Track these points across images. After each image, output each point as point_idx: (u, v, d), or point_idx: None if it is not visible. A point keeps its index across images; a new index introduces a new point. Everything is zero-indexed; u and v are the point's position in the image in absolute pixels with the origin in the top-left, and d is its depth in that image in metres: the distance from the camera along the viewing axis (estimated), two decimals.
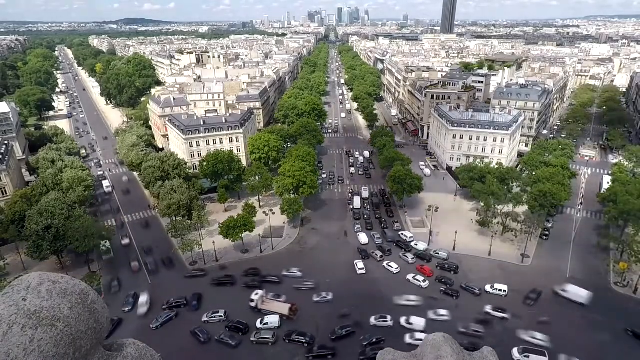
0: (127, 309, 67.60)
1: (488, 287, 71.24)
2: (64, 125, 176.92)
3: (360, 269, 77.64)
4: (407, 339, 59.18)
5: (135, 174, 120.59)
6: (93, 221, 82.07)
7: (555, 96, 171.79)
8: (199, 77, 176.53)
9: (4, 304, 4.38)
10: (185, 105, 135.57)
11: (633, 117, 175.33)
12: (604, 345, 58.77)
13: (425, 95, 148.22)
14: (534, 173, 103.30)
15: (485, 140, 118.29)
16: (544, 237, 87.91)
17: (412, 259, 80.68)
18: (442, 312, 65.28)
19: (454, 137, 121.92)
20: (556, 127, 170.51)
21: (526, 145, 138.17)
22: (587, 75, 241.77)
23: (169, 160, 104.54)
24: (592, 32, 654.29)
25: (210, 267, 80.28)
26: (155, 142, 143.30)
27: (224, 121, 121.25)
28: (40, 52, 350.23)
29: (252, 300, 67.30)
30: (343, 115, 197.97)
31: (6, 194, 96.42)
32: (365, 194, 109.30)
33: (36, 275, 4.82)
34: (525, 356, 56.12)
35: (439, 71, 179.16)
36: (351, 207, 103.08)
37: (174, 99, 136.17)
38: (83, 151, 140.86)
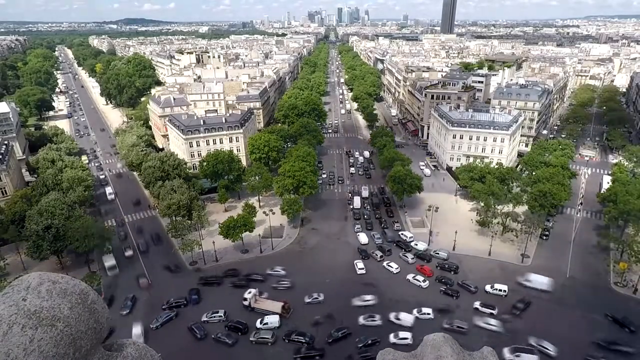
0: (125, 312, 66.79)
1: (488, 287, 71.21)
2: (64, 125, 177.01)
3: (360, 268, 77.70)
4: (392, 338, 59.39)
5: (136, 173, 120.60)
6: (93, 221, 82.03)
7: (555, 96, 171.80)
8: (199, 77, 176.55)
9: (4, 304, 4.38)
10: (185, 105, 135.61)
11: (633, 117, 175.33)
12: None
13: (425, 95, 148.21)
14: (534, 173, 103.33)
15: (485, 140, 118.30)
16: (544, 237, 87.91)
17: (412, 259, 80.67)
18: (426, 310, 65.73)
19: (454, 137, 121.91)
20: (556, 127, 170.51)
21: (526, 145, 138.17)
22: (587, 75, 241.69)
23: (169, 160, 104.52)
24: (592, 32, 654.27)
25: (210, 266, 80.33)
26: (155, 142, 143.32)
27: (224, 121, 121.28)
28: (40, 52, 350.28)
29: (245, 299, 67.54)
30: (343, 112, 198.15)
31: (6, 194, 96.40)
32: (365, 193, 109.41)
33: (36, 275, 4.82)
34: (516, 355, 56.19)
35: (439, 71, 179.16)
36: (351, 207, 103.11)
37: (174, 99, 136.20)
38: (84, 157, 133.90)
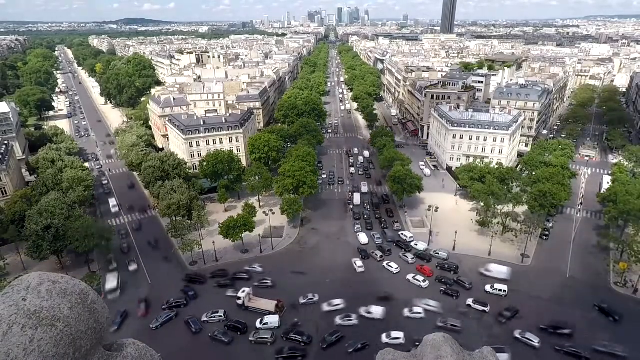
0: (113, 328, 63.50)
1: (488, 287, 71.27)
2: (64, 125, 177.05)
3: (359, 267, 77.99)
4: (384, 338, 59.54)
5: (136, 173, 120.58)
6: (93, 221, 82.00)
7: (555, 96, 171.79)
8: (199, 77, 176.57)
9: (4, 304, 4.38)
10: (185, 105, 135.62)
11: (633, 117, 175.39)
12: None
13: (425, 95, 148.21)
14: (534, 173, 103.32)
15: (485, 140, 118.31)
16: (544, 237, 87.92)
17: (412, 259, 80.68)
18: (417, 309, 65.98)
19: (454, 137, 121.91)
20: (556, 127, 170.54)
21: (526, 145, 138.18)
22: (587, 75, 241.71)
23: (169, 160, 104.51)
24: (592, 32, 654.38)
25: (210, 266, 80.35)
26: (155, 142, 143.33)
27: (224, 121, 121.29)
28: (40, 52, 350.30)
29: (239, 298, 67.70)
30: (342, 109, 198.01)
31: (6, 194, 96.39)
32: (365, 189, 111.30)
33: (36, 275, 4.82)
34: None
35: (439, 71, 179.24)
36: (351, 206, 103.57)
37: (174, 99, 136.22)
38: (87, 165, 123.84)
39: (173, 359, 55.76)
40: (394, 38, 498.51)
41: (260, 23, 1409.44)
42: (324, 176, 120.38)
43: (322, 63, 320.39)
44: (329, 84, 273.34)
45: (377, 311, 65.23)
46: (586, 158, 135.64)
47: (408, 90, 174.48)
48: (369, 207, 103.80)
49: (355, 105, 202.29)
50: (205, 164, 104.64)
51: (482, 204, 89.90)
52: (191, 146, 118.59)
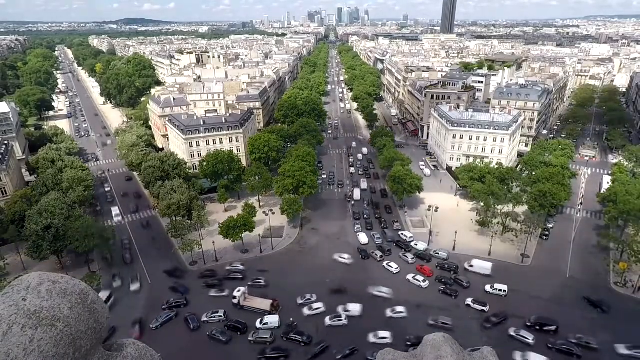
0: None
1: (488, 287, 71.29)
2: (64, 125, 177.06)
3: (343, 259, 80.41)
4: (371, 338, 59.83)
5: (135, 173, 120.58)
6: (93, 221, 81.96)
7: (555, 96, 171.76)
8: (199, 77, 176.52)
9: (4, 304, 4.37)
10: (185, 105, 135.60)
11: (633, 117, 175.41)
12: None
13: (425, 95, 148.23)
14: (534, 173, 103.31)
15: (485, 140, 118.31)
16: (544, 237, 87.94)
17: (412, 259, 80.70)
18: (400, 309, 66.26)
19: (454, 137, 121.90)
20: (556, 127, 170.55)
21: (526, 145, 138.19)
22: (587, 75, 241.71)
23: (169, 160, 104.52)
24: (592, 32, 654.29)
25: (210, 266, 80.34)
26: (155, 142, 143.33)
27: (223, 121, 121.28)
28: (40, 52, 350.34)
29: (235, 298, 67.80)
30: (342, 109, 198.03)
31: (6, 194, 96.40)
32: (364, 185, 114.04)
33: (36, 275, 4.82)
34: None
35: (439, 71, 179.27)
36: (352, 202, 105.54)
37: (174, 99, 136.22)
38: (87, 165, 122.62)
39: (173, 359, 55.78)
40: (394, 38, 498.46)
41: (260, 23, 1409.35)
42: (324, 176, 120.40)
43: (322, 63, 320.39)
44: (329, 84, 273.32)
45: (354, 308, 65.62)
46: (586, 158, 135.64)
47: (408, 90, 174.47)
48: (368, 206, 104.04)
49: (355, 105, 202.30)
50: (205, 164, 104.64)
51: (482, 204, 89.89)
52: (191, 146, 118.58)
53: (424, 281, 73.28)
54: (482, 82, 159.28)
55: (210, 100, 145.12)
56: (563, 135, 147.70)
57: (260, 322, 63.22)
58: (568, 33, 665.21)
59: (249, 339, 60.78)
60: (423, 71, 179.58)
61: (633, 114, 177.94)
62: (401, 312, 65.43)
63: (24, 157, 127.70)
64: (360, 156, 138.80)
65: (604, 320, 64.22)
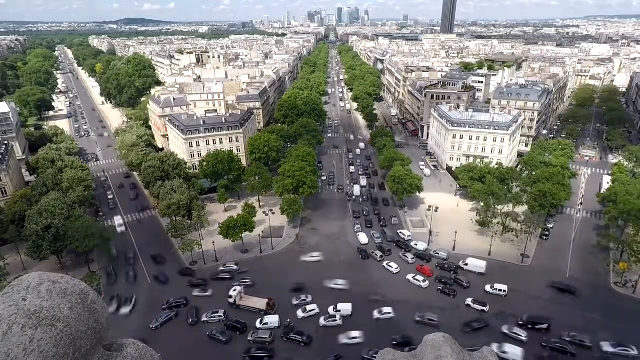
0: None
1: (488, 287, 71.29)
2: (64, 125, 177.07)
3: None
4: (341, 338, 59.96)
5: (135, 174, 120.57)
6: (93, 221, 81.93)
7: (555, 96, 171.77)
8: (199, 77, 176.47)
9: (4, 304, 4.37)
10: (185, 105, 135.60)
11: (633, 117, 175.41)
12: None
13: (425, 95, 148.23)
14: (534, 173, 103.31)
15: (485, 140, 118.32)
16: (544, 237, 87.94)
17: (412, 259, 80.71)
18: (387, 309, 66.05)
19: (454, 137, 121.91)
20: (556, 127, 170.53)
21: (526, 145, 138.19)
22: (587, 75, 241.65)
23: (169, 160, 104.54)
24: (592, 32, 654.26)
25: (210, 266, 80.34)
26: (155, 142, 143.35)
27: (223, 121, 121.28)
28: (40, 52, 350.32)
29: (231, 297, 67.83)
30: (342, 109, 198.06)
31: (6, 194, 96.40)
32: (364, 182, 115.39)
33: (36, 275, 4.82)
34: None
35: (439, 71, 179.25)
36: (352, 198, 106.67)
37: (174, 99, 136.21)
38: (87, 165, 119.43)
39: (173, 359, 55.80)
40: (393, 38, 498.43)
41: (260, 23, 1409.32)
42: (324, 177, 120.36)
43: (322, 63, 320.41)
44: (329, 84, 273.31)
45: (345, 308, 65.74)
46: (586, 158, 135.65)
47: (408, 90, 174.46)
48: (367, 200, 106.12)
49: (355, 105, 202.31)
50: (205, 164, 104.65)
51: (482, 204, 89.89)
52: (191, 146, 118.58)
53: (424, 281, 73.27)
54: (482, 82, 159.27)
55: (210, 100, 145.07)
56: (563, 135, 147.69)
57: (260, 322, 63.22)
58: (568, 33, 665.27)
59: (248, 338, 60.78)
60: (423, 71, 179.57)
61: (633, 114, 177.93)
62: (388, 313, 65.27)
63: (24, 157, 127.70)
64: (358, 151, 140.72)
65: (604, 320, 64.19)
